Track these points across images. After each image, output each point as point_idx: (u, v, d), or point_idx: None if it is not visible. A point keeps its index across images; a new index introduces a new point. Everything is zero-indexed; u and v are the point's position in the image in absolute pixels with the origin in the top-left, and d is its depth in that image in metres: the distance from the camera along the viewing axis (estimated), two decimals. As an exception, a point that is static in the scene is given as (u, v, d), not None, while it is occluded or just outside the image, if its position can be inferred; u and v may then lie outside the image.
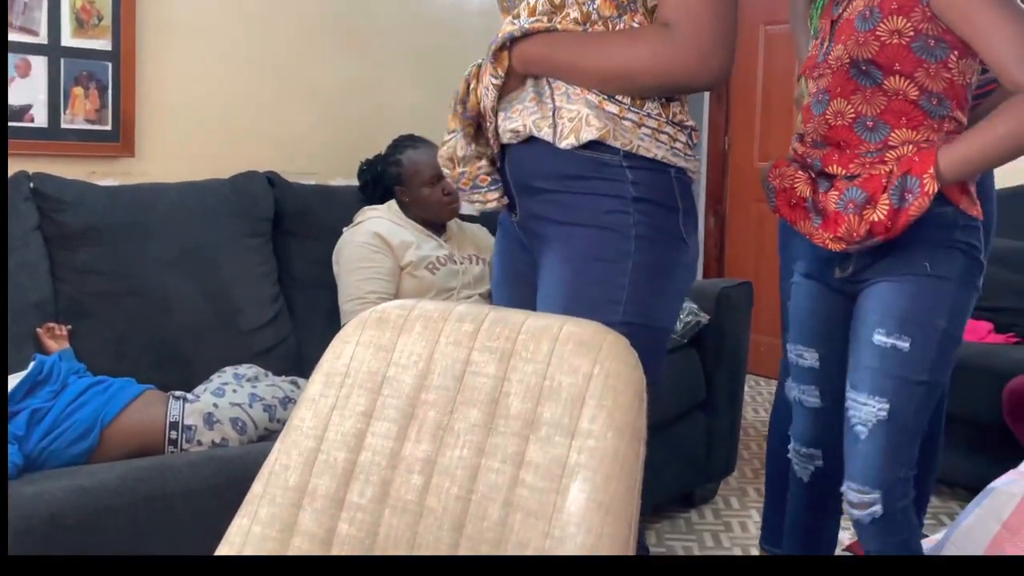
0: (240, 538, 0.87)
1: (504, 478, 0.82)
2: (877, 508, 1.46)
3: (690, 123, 1.18)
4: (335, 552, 0.86)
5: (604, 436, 0.79)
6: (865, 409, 1.46)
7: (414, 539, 0.84)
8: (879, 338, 1.45)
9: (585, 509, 0.76)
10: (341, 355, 0.92)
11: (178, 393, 1.82)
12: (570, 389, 0.82)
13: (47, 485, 1.49)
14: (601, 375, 0.81)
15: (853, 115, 1.44)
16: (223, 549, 0.88)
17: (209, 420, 1.76)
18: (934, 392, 1.47)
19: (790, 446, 1.70)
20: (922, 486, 1.81)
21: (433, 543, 0.83)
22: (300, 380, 2.02)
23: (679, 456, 2.50)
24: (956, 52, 1.40)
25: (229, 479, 1.62)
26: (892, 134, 1.42)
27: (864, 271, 1.50)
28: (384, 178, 2.44)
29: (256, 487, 0.90)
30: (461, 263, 2.39)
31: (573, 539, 0.76)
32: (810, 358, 1.62)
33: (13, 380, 1.69)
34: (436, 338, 0.90)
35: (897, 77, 1.40)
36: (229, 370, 1.98)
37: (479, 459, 0.84)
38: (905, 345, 1.43)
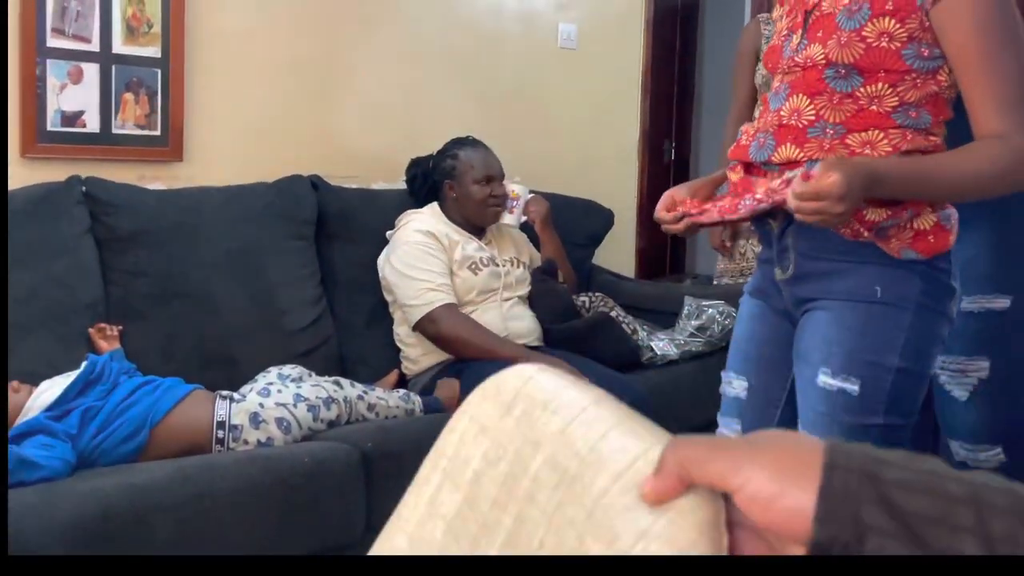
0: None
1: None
2: None
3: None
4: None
5: None
6: None
7: None
8: (824, 379, 1.23)
9: None
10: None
11: (225, 393, 1.85)
12: None
13: (100, 482, 1.53)
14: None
15: (812, 117, 1.24)
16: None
17: (255, 420, 1.78)
18: (894, 432, 1.24)
19: None
20: None
21: None
22: (343, 380, 2.04)
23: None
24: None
25: (274, 478, 1.65)
26: (850, 136, 1.22)
27: (806, 283, 1.28)
28: (435, 172, 2.44)
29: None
30: (503, 265, 2.40)
31: None
32: (738, 387, 1.38)
33: (66, 380, 1.73)
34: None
35: (878, 84, 1.20)
36: (274, 370, 2.01)
37: None
38: (854, 388, 1.21)
